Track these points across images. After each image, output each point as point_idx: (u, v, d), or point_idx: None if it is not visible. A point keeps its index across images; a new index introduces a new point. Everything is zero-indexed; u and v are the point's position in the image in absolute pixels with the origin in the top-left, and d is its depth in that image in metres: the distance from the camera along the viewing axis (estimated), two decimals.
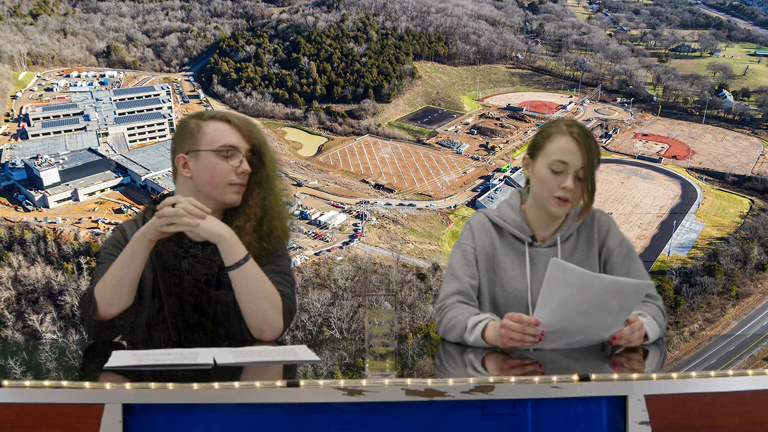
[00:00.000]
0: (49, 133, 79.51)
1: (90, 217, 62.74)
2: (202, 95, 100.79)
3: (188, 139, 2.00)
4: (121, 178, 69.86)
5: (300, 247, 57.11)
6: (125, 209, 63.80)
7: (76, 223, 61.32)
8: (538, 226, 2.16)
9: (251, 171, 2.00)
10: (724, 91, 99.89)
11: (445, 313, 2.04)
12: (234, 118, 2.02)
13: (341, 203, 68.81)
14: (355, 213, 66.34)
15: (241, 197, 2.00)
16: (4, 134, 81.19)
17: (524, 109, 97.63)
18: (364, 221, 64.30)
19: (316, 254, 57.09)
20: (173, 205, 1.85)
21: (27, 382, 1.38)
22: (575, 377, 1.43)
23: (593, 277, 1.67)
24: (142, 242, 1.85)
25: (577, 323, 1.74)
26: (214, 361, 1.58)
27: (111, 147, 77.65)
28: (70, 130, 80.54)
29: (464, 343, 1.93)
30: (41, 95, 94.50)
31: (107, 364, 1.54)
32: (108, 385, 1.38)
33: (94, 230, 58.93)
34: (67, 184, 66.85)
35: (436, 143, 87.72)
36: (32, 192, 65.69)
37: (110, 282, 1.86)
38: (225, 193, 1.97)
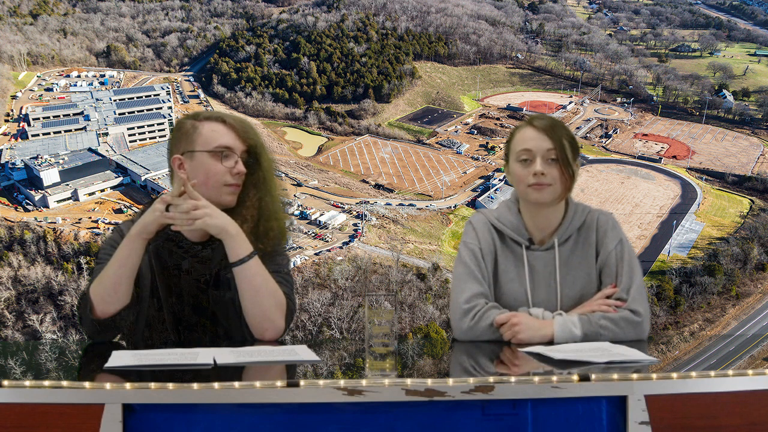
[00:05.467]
0: (49, 133, 79.55)
1: (90, 217, 62.76)
2: (202, 95, 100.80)
3: (184, 139, 1.98)
4: (121, 178, 69.88)
5: (300, 247, 57.09)
6: (125, 209, 63.81)
7: (76, 223, 61.33)
8: (535, 229, 2.14)
9: (247, 172, 1.98)
10: (724, 91, 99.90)
11: (483, 313, 2.02)
12: (229, 119, 2.00)
13: (341, 203, 68.80)
14: (355, 213, 66.33)
15: (236, 198, 1.98)
16: (4, 134, 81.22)
17: (524, 109, 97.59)
18: (364, 221, 64.29)
19: (316, 254, 57.09)
20: (167, 207, 1.85)
21: (27, 382, 1.38)
22: (575, 377, 1.43)
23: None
24: (138, 240, 1.85)
25: None
26: (214, 361, 1.58)
27: (111, 147, 77.68)
28: (70, 130, 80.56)
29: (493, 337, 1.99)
30: (41, 95, 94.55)
31: (107, 364, 1.54)
32: (108, 385, 1.38)
33: (94, 230, 58.94)
34: (67, 184, 66.86)
35: (436, 143, 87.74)
36: (32, 192, 65.69)
37: (107, 281, 1.86)
38: (220, 194, 1.94)
